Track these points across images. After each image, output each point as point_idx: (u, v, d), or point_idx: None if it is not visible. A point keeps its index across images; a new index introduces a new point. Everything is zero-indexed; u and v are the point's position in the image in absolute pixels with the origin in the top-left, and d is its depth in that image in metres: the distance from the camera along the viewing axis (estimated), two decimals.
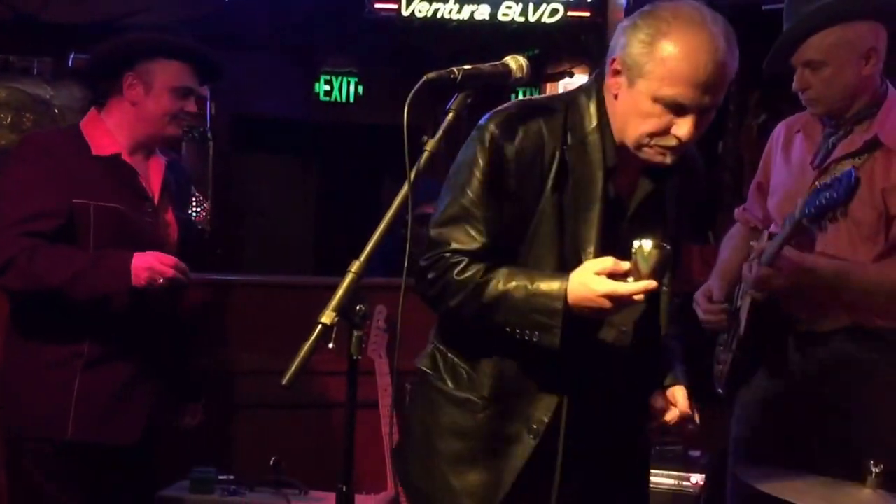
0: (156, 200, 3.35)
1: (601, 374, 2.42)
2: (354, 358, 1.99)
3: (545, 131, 2.34)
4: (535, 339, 2.30)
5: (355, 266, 2.00)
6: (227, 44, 7.74)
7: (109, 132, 3.32)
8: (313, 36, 8.23)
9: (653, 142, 2.30)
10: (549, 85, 7.19)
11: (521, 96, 8.49)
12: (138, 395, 3.30)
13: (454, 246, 2.35)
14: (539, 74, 7.39)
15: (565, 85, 6.93)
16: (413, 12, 6.04)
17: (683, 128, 2.27)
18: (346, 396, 2.03)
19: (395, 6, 6.05)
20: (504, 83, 2.29)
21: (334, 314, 1.94)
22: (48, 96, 5.58)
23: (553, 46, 6.96)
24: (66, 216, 3.16)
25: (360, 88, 9.02)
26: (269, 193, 9.65)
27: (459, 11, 6.09)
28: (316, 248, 9.75)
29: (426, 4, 6.07)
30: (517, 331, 2.31)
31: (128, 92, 3.31)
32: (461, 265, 2.34)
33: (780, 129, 3.38)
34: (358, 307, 1.99)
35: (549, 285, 2.28)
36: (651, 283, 2.19)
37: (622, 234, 2.38)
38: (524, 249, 2.39)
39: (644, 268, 2.21)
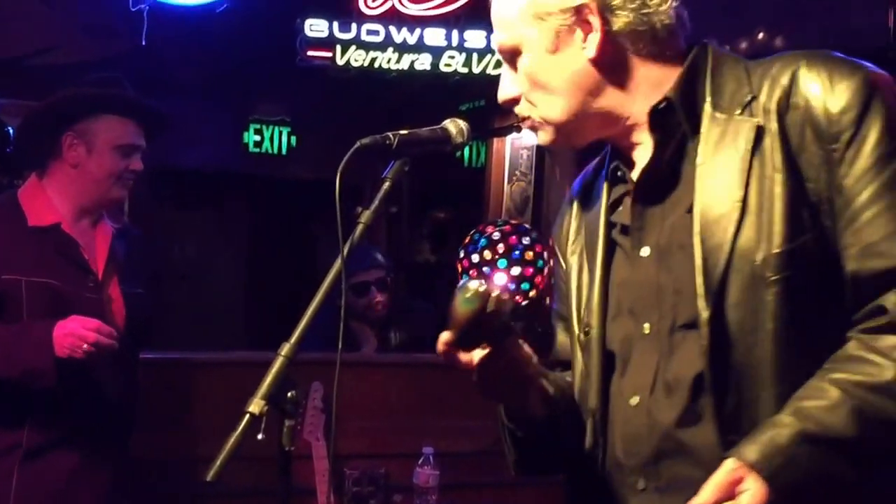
0: (100, 274, 3.33)
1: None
2: (286, 449, 2.01)
3: None
4: None
5: (285, 349, 2.01)
6: (145, 88, 7.73)
7: (50, 201, 3.31)
8: (242, 81, 8.24)
9: None
10: (496, 140, 7.28)
11: (466, 151, 8.64)
12: (85, 488, 3.26)
13: None
14: (485, 128, 7.48)
15: (512, 140, 7.02)
16: (348, 61, 6.13)
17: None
18: (280, 490, 2.04)
19: (329, 54, 6.14)
20: (443, 149, 2.30)
21: (263, 402, 1.95)
22: None
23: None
24: None
25: (294, 139, 9.04)
26: (195, 254, 9.60)
27: (399, 61, 6.19)
28: (247, 313, 9.70)
29: (362, 53, 6.16)
30: None
31: (68, 153, 3.31)
32: None
33: None
34: (289, 393, 1.99)
35: None
36: (445, 335, 1.80)
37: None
38: None
39: (456, 314, 1.77)
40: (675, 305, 1.84)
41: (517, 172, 6.97)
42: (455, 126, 2.22)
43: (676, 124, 1.86)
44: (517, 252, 5.08)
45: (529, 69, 1.93)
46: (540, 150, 6.66)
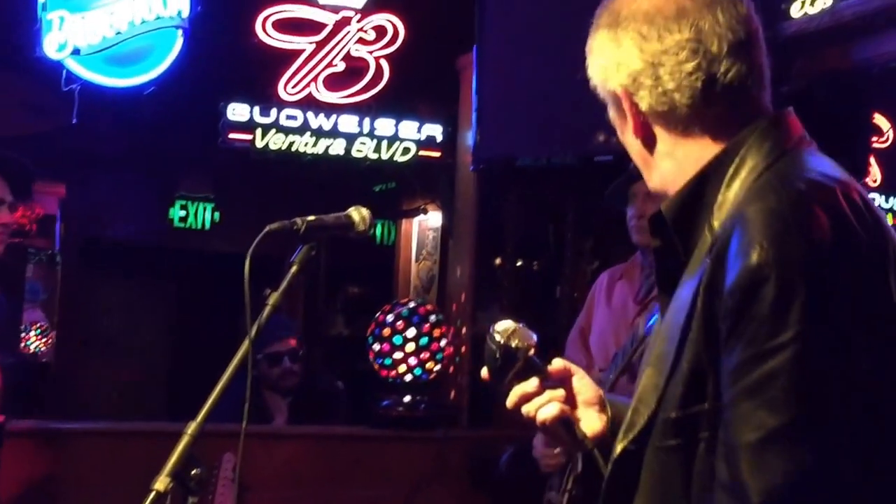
0: None
1: None
2: None
3: None
4: None
5: (191, 428, 2.01)
6: (76, 163, 7.74)
7: None
8: (168, 159, 8.24)
9: None
10: (404, 221, 7.32)
11: (378, 230, 8.70)
12: None
13: None
14: (396, 210, 7.53)
15: (419, 222, 7.06)
16: (267, 144, 6.17)
17: None
18: None
19: (249, 137, 6.18)
20: (347, 234, 2.31)
21: (168, 479, 1.94)
22: None
23: (407, 182, 7.12)
24: None
25: (217, 215, 9.05)
26: (121, 321, 9.53)
27: (315, 145, 6.24)
28: (170, 380, 9.61)
29: (281, 136, 6.21)
30: None
31: None
32: None
33: (603, 278, 3.68)
34: (194, 471, 1.99)
35: None
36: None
37: None
38: None
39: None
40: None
41: (424, 252, 7.01)
42: (358, 214, 2.27)
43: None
44: (378, 329, 5.25)
45: None
46: (445, 232, 6.70)
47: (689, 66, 1.65)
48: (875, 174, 7.46)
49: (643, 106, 1.70)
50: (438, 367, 5.34)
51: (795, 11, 4.48)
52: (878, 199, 7.53)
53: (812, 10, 4.55)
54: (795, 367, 1.44)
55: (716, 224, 1.61)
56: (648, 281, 3.48)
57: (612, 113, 1.80)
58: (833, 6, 4.49)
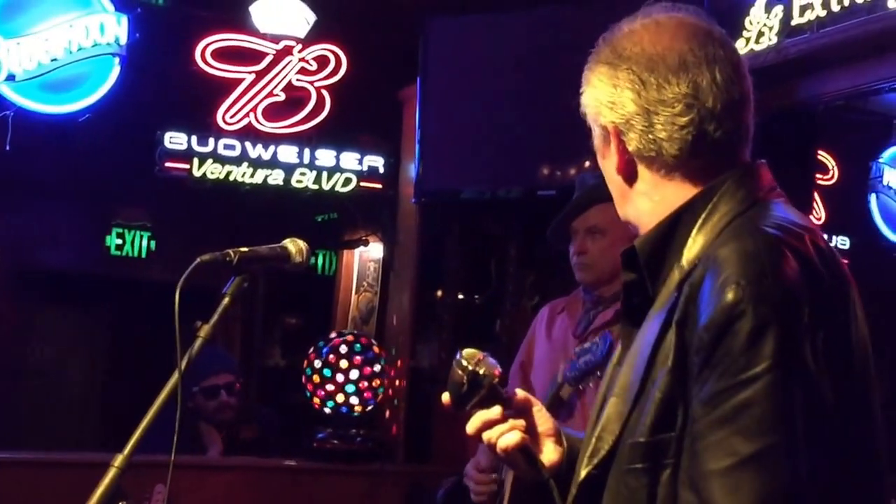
0: None
1: None
2: None
3: None
4: None
5: (118, 460, 1.99)
6: (10, 190, 7.65)
7: None
8: (104, 186, 8.17)
9: None
10: (345, 252, 7.31)
11: (320, 260, 8.69)
12: None
13: None
14: (337, 241, 7.52)
15: (360, 253, 7.05)
16: (205, 174, 6.12)
17: None
18: None
19: (186, 166, 6.13)
20: (282, 266, 2.29)
21: None
22: None
23: (348, 213, 7.12)
24: None
25: (153, 244, 8.99)
26: (55, 350, 9.40)
27: (253, 175, 6.22)
28: (104, 410, 9.50)
29: (218, 166, 6.17)
30: None
31: None
32: None
33: (544, 311, 3.72)
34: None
35: None
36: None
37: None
38: None
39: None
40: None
41: (364, 283, 7.00)
42: (295, 246, 2.25)
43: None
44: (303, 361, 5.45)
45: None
46: (386, 264, 6.70)
47: (683, 120, 1.73)
48: (819, 211, 7.55)
49: (631, 147, 1.78)
50: (355, 399, 5.33)
51: (741, 48, 4.54)
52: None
53: (758, 47, 4.62)
54: (768, 396, 1.52)
55: (685, 263, 1.70)
56: (588, 315, 3.51)
57: (596, 142, 1.87)
58: (778, 43, 4.55)
